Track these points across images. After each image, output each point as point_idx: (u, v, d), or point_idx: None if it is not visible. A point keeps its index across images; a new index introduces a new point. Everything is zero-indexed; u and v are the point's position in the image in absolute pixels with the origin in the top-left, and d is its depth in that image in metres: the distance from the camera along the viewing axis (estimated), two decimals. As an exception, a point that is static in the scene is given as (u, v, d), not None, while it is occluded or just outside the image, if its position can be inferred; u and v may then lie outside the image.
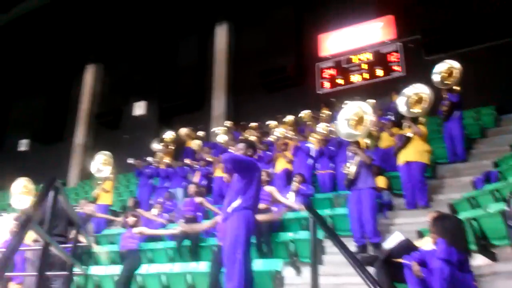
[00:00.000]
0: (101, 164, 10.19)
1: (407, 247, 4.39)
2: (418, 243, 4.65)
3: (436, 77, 8.32)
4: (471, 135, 8.93)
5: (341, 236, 6.31)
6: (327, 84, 13.54)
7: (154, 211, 8.75)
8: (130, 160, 11.63)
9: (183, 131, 12.65)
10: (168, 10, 16.51)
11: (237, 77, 15.56)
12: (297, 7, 14.97)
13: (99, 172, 10.18)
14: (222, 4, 16.32)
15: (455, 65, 8.30)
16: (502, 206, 4.48)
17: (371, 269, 4.40)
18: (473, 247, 4.61)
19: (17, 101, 21.83)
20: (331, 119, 10.19)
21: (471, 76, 9.55)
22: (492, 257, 4.57)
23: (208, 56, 16.26)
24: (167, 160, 11.12)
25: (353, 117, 6.44)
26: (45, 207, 2.71)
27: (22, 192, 7.71)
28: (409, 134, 7.02)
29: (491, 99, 10.14)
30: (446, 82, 8.24)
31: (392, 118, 8.85)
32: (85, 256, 7.69)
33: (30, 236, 4.63)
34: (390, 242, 4.66)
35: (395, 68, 12.47)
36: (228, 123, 12.61)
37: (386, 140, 8.61)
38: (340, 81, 13.33)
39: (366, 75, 12.91)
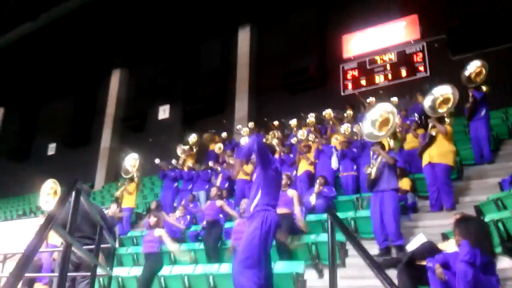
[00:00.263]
0: (131, 166, 10.38)
1: (430, 249, 4.31)
2: (442, 245, 4.56)
3: (464, 76, 8.18)
4: (499, 135, 8.71)
5: (364, 239, 6.37)
6: (350, 86, 13.43)
7: (177, 213, 8.84)
8: (157, 161, 11.80)
9: (206, 135, 12.78)
10: (191, 15, 16.67)
11: (259, 80, 15.60)
12: (320, 8, 14.92)
13: (127, 173, 10.36)
14: (245, 7, 16.39)
15: (482, 64, 8.14)
16: (529, 208, 4.36)
17: (394, 272, 4.35)
18: (498, 249, 4.49)
19: (44, 106, 22.45)
20: (354, 121, 10.11)
21: (499, 75, 9.35)
22: (518, 260, 4.45)
23: (231, 59, 16.36)
24: (190, 163, 11.22)
25: (379, 118, 6.37)
26: (68, 208, 2.76)
27: (50, 193, 7.85)
28: (433, 132, 6.89)
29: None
30: (473, 80, 8.10)
31: (417, 119, 8.72)
32: (109, 258, 7.81)
33: (58, 238, 4.69)
34: (413, 244, 4.59)
35: (420, 68, 12.27)
36: (250, 125, 12.65)
37: (410, 142, 8.50)
38: (363, 82, 13.20)
39: (390, 76, 12.75)
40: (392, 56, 12.90)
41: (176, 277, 6.67)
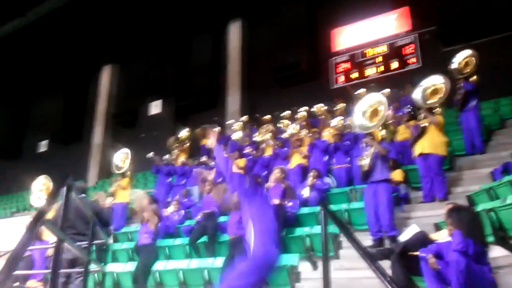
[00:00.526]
0: (121, 161, 10.31)
1: (423, 240, 4.33)
2: (435, 235, 4.59)
3: (453, 67, 8.19)
4: (490, 126, 8.76)
5: (358, 230, 6.39)
6: (341, 79, 13.42)
7: (171, 208, 8.82)
8: (150, 154, 11.72)
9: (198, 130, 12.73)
10: (182, 9, 16.60)
11: (251, 74, 15.58)
12: (309, 2, 14.90)
13: (118, 168, 10.30)
14: (235, 2, 16.34)
15: (471, 54, 8.16)
16: (520, 197, 4.39)
17: (387, 262, 4.36)
18: (490, 238, 4.52)
19: (35, 103, 22.29)
20: (346, 113, 10.12)
21: (490, 66, 9.37)
22: (510, 248, 4.48)
23: (222, 53, 16.31)
24: (182, 157, 11.18)
25: (369, 109, 6.36)
26: (59, 205, 2.74)
27: (42, 190, 7.79)
28: (425, 123, 6.91)
29: (511, 90, 9.91)
30: (462, 71, 8.11)
31: (409, 110, 8.73)
32: (102, 253, 7.78)
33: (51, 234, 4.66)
34: (406, 235, 4.61)
35: (411, 60, 12.29)
36: (244, 118, 12.61)
37: (403, 133, 8.51)
38: (354, 75, 13.20)
39: (381, 68, 12.76)
40: (384, 48, 12.91)
41: (170, 272, 6.66)
